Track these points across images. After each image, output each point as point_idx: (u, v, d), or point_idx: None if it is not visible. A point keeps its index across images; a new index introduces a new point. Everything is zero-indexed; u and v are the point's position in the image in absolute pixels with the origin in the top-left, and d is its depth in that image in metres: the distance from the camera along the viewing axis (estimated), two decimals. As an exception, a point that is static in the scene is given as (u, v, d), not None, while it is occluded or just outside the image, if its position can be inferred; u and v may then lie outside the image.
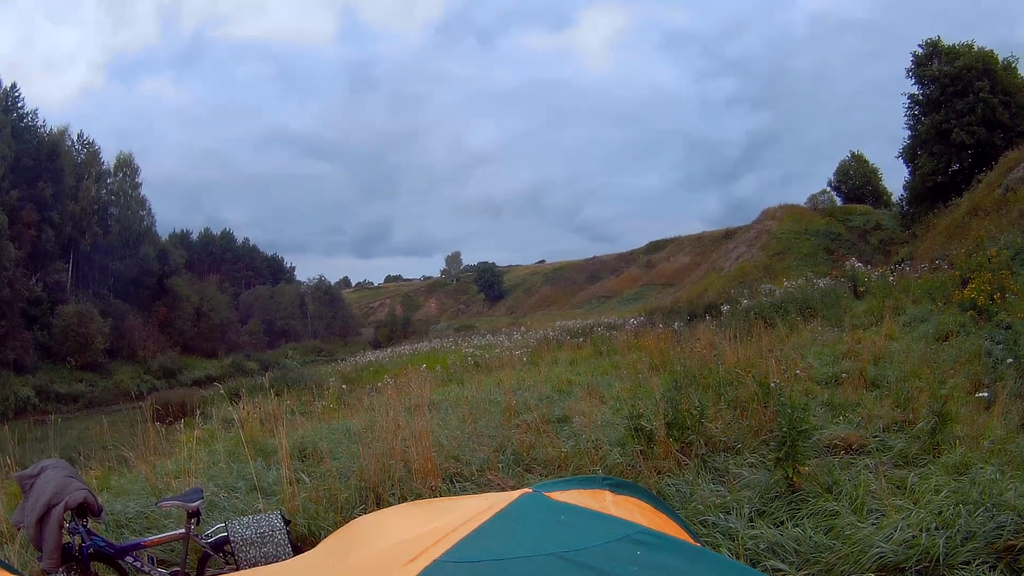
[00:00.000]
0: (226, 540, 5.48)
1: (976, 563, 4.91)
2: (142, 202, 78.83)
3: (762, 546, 5.51)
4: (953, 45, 47.95)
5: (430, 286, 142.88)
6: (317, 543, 3.68)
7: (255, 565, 5.23)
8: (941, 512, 5.41)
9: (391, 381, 15.98)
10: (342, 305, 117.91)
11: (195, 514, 5.63)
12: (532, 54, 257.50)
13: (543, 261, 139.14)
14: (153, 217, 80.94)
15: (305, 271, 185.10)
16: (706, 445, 8.00)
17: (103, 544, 5.45)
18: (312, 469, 8.74)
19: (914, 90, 49.53)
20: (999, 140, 43.00)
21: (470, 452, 8.73)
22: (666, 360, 13.93)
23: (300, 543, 6.09)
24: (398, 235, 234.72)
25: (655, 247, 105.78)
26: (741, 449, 7.92)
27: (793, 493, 6.29)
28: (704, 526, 5.98)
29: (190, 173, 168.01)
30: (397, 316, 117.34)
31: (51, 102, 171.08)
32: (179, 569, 5.69)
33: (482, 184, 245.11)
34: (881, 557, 5.05)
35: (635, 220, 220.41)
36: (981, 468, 6.19)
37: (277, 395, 14.40)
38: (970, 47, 47.24)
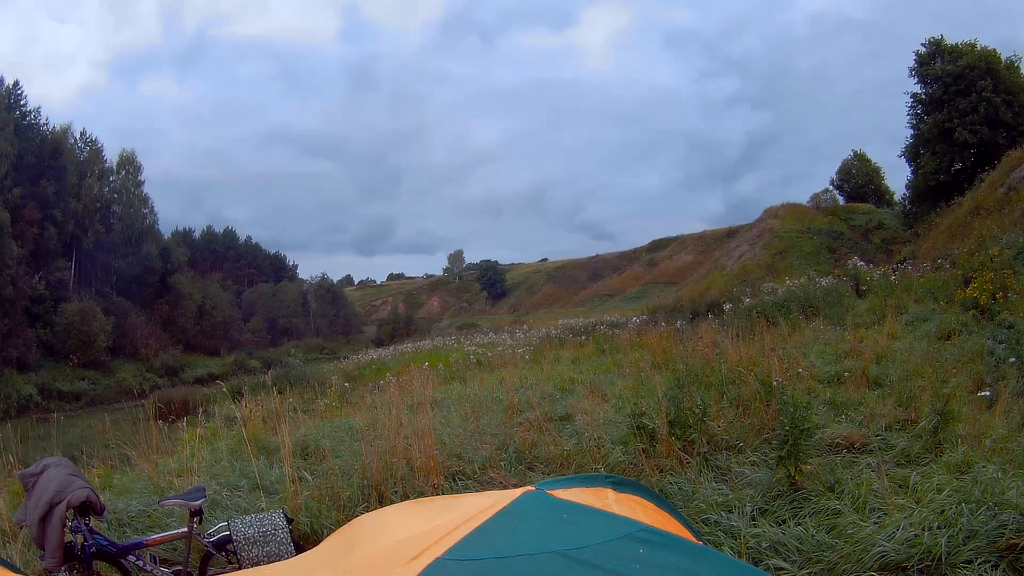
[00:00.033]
0: (228, 539, 5.47)
1: (978, 562, 4.91)
2: (145, 200, 79.02)
3: (764, 544, 5.52)
4: (956, 44, 48.00)
5: (433, 284, 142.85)
6: (320, 542, 3.69)
7: (257, 564, 5.23)
8: (943, 511, 5.42)
9: (393, 379, 15.94)
10: (345, 303, 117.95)
11: (198, 513, 5.62)
12: (533, 53, 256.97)
13: (546, 259, 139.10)
14: (156, 215, 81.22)
15: (308, 269, 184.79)
16: (708, 443, 7.99)
17: (105, 543, 5.45)
18: (314, 467, 8.74)
19: (917, 89, 49.66)
20: (1001, 139, 43.02)
21: (472, 450, 8.73)
22: (668, 358, 13.95)
23: (302, 542, 6.09)
24: (400, 233, 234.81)
25: (658, 246, 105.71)
26: (743, 447, 7.92)
27: (795, 492, 6.29)
28: (706, 524, 5.98)
29: (192, 171, 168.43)
30: (399, 314, 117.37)
31: (54, 100, 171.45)
32: (181, 568, 5.68)
33: (484, 182, 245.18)
34: (883, 556, 5.05)
35: (637, 219, 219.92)
36: (983, 467, 6.19)
37: (279, 393, 14.40)
38: (973, 46, 47.25)
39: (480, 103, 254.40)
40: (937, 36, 49.11)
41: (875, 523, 5.49)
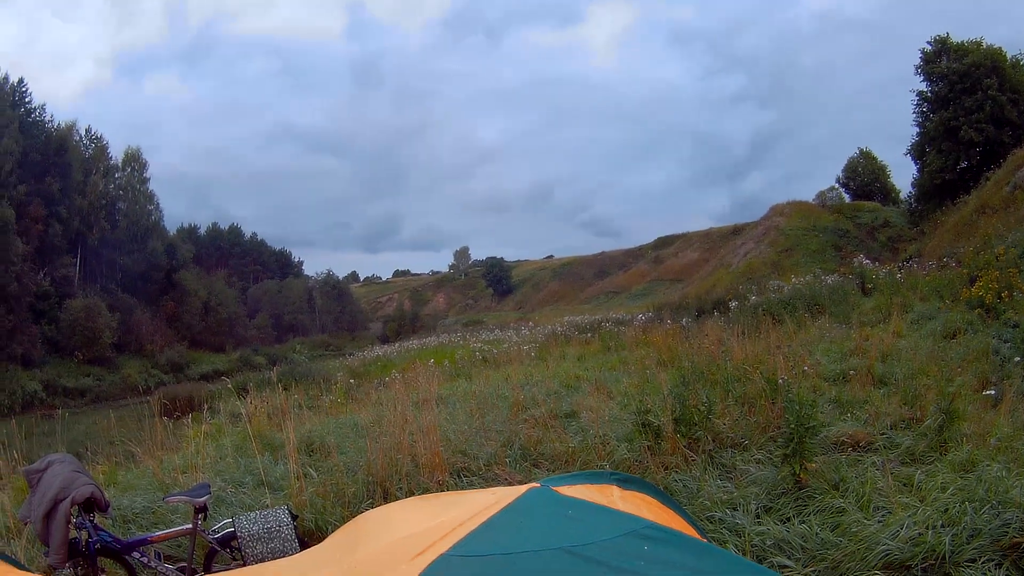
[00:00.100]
0: (233, 536, 5.48)
1: (982, 561, 4.91)
2: (150, 197, 79.10)
3: (768, 542, 5.51)
4: (962, 42, 47.81)
5: (438, 281, 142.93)
6: (324, 538, 3.69)
7: (262, 560, 5.25)
8: (947, 510, 5.41)
9: (399, 376, 16.00)
10: (350, 300, 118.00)
11: (202, 509, 5.64)
12: (538, 50, 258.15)
13: (551, 256, 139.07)
14: (161, 212, 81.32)
15: (313, 266, 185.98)
16: (713, 441, 8.00)
17: (110, 539, 5.46)
18: (319, 464, 8.76)
19: (923, 87, 49.44)
20: (1007, 138, 42.88)
21: (477, 447, 8.75)
22: (674, 356, 13.95)
23: (307, 538, 6.09)
24: (406, 230, 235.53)
25: (663, 243, 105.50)
26: (748, 445, 7.91)
27: (800, 490, 6.29)
28: (711, 522, 5.99)
29: (197, 168, 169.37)
30: (405, 311, 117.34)
31: (58, 98, 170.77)
32: (186, 565, 5.70)
33: (490, 179, 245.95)
34: (887, 554, 5.05)
35: (642, 216, 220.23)
36: (987, 466, 6.18)
37: (285, 389, 14.42)
38: (979, 44, 47.09)
39: (485, 100, 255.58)
40: (943, 34, 49.06)
41: (879, 521, 5.49)
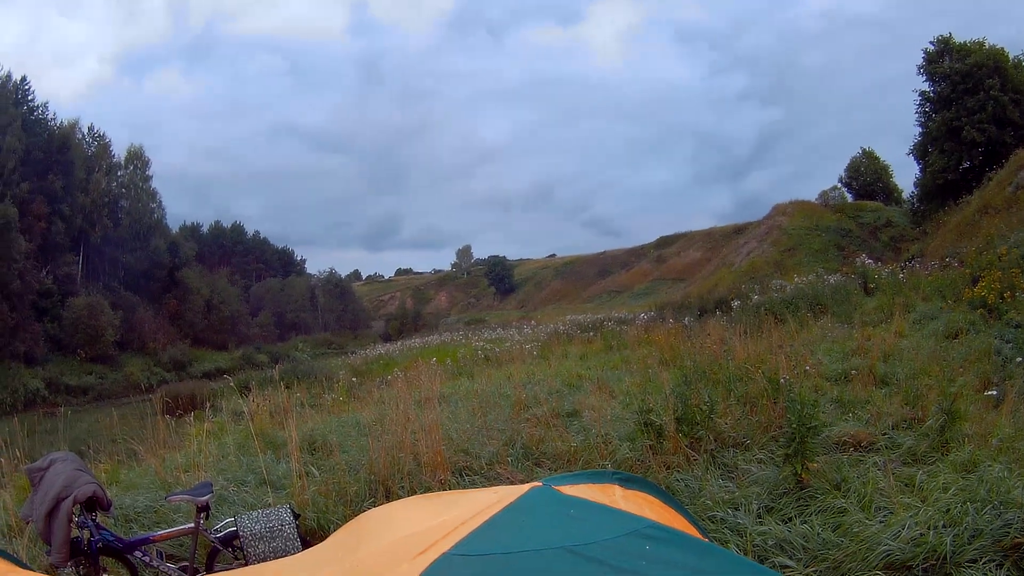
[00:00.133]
0: (235, 534, 5.47)
1: (983, 561, 4.91)
2: (153, 195, 79.16)
3: (770, 542, 5.52)
4: (964, 42, 47.78)
5: (440, 279, 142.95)
6: (326, 537, 3.69)
7: (264, 559, 5.24)
8: (949, 510, 5.41)
9: (401, 374, 16.00)
10: (352, 298, 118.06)
11: (204, 508, 5.64)
12: (542, 49, 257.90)
13: (554, 255, 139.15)
14: (164, 210, 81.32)
15: (316, 264, 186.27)
16: (715, 441, 8.00)
17: (112, 538, 5.46)
18: (322, 462, 8.76)
19: (925, 87, 49.43)
20: (1009, 138, 42.90)
21: (480, 446, 8.75)
22: (676, 355, 13.96)
23: (309, 537, 6.09)
24: (408, 228, 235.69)
25: (665, 242, 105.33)
26: (750, 445, 7.92)
27: (801, 490, 6.29)
28: (712, 522, 5.99)
29: (200, 166, 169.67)
30: (407, 309, 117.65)
31: (61, 96, 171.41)
32: (188, 564, 5.70)
33: (492, 178, 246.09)
34: (889, 555, 5.05)
35: (645, 215, 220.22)
36: (989, 466, 6.18)
37: (287, 388, 14.42)
38: (981, 44, 47.06)
39: (488, 98, 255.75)
40: (946, 34, 49.04)
41: (881, 522, 5.49)
